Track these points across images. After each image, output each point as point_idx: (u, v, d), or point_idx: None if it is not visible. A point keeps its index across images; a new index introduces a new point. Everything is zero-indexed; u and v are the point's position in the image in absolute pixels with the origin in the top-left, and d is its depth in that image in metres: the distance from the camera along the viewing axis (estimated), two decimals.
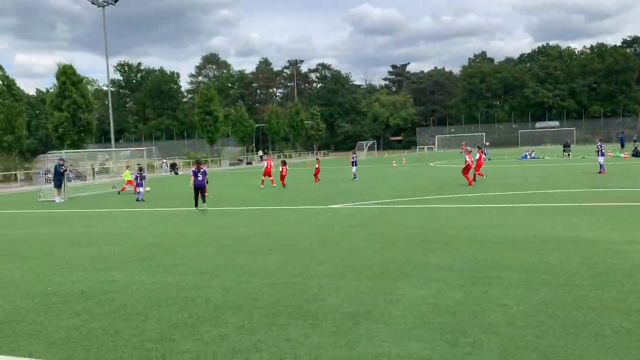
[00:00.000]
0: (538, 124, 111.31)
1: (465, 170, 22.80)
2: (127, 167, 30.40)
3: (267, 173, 27.12)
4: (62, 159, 25.18)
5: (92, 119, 47.64)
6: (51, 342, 5.55)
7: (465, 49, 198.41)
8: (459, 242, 9.93)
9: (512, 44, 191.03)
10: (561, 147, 53.48)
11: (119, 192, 27.16)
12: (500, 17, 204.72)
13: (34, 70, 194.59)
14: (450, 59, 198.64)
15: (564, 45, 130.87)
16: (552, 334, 5.19)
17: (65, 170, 25.32)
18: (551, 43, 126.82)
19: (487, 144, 59.00)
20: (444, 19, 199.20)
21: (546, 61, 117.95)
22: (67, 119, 45.17)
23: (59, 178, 24.43)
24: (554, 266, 7.81)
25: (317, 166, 30.20)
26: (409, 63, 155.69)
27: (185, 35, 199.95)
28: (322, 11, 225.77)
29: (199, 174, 17.30)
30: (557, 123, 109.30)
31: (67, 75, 45.86)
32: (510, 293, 6.57)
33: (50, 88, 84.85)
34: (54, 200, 23.85)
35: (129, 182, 26.66)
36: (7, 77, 47.36)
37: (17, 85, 48.99)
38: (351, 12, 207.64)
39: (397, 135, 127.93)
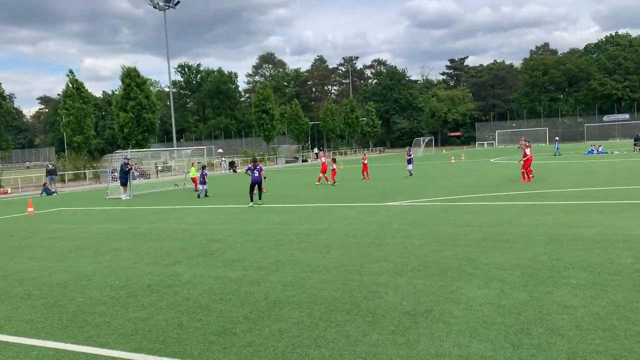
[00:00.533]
0: (606, 117, 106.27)
1: (525, 165, 21.99)
2: (193, 163, 30.90)
3: (324, 170, 27.23)
4: (127, 158, 26.18)
5: (155, 119, 49.14)
6: (120, 333, 5.81)
7: (526, 40, 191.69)
8: (523, 240, 9.64)
9: (577, 34, 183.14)
10: (631, 141, 50.88)
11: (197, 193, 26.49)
12: (564, 6, 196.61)
13: (100, 74, 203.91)
14: (511, 51, 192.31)
15: (634, 33, 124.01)
16: (623, 337, 4.96)
17: (131, 169, 26.27)
18: (620, 32, 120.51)
19: (557, 138, 56.72)
20: (504, 10, 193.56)
21: (615, 51, 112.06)
22: (132, 119, 46.79)
23: (124, 176, 25.41)
24: (624, 266, 7.46)
25: (364, 162, 30.07)
26: (467, 57, 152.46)
27: (242, 36, 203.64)
28: (377, 6, 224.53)
29: (254, 171, 17.87)
30: (627, 116, 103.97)
31: (131, 78, 47.50)
32: (577, 294, 6.32)
33: (116, 90, 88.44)
34: (121, 198, 24.84)
35: (194, 179, 27.30)
36: (77, 80, 49.54)
37: (86, 88, 51.16)
38: (407, 6, 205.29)
39: (455, 131, 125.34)
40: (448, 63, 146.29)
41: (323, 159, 27.95)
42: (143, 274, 8.57)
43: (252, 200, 18.07)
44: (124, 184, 25.35)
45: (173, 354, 5.13)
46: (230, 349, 5.17)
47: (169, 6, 52.73)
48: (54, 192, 31.80)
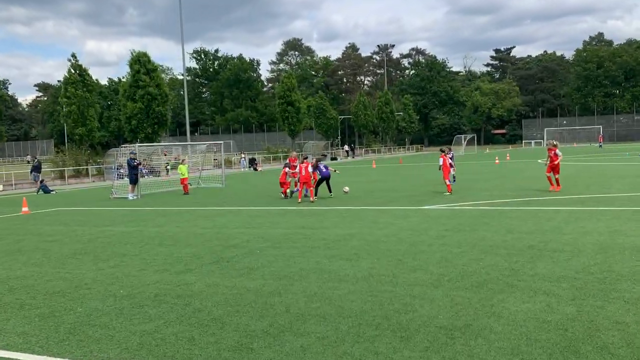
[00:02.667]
0: None
1: (549, 169, 20.34)
2: (183, 160, 29.58)
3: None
4: (134, 153, 26.26)
5: (166, 111, 48.82)
6: (124, 347, 5.88)
7: (578, 29, 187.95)
8: (572, 249, 9.54)
9: (634, 23, 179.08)
10: None
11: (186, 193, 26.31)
12: None
13: (106, 58, 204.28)
14: (562, 41, 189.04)
15: None
16: None
17: (140, 164, 26.23)
18: None
19: (602, 134, 55.64)
20: None
21: None
22: (141, 110, 46.57)
23: (133, 172, 25.27)
24: None
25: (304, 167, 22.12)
26: (514, 46, 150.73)
27: (263, 19, 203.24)
28: None
29: (320, 167, 20.36)
30: None
31: (140, 63, 47.08)
32: (630, 309, 6.29)
33: (123, 77, 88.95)
34: (127, 197, 24.97)
35: (183, 179, 26.62)
36: (80, 65, 48.82)
37: (89, 74, 50.06)
38: None
39: (500, 128, 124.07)
40: (493, 53, 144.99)
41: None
42: (150, 283, 8.67)
43: (315, 194, 20.01)
44: (134, 181, 25.33)
45: None
46: None
47: None
48: (52, 191, 31.78)
